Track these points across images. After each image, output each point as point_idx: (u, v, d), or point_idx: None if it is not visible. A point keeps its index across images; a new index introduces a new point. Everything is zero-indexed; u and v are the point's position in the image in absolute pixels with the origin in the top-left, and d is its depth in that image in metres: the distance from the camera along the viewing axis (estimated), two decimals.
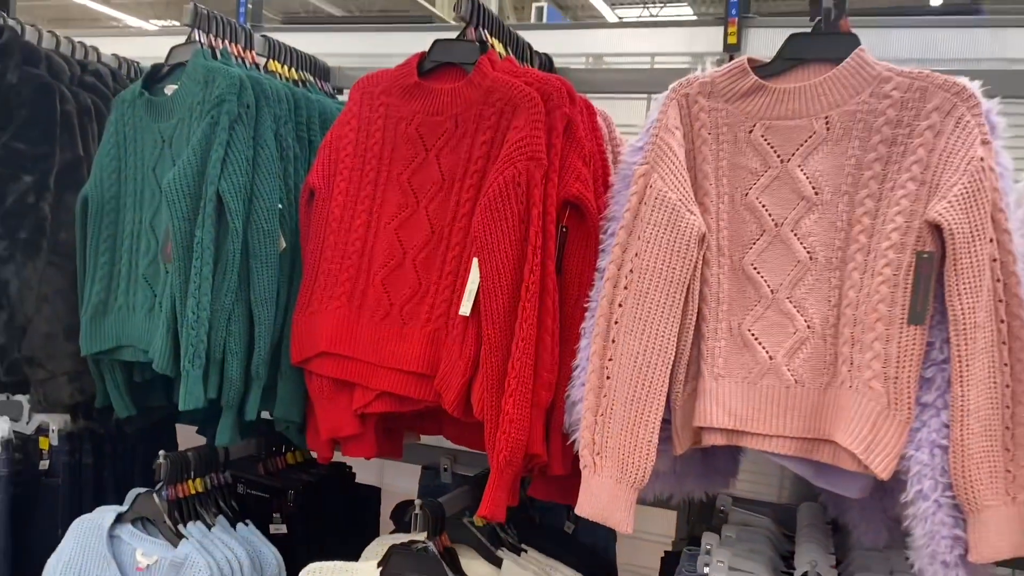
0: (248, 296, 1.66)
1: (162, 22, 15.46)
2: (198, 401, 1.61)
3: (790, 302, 1.32)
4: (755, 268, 1.34)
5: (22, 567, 2.03)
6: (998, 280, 1.19)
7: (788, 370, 1.31)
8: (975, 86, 1.25)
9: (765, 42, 2.07)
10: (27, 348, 1.86)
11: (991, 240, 1.19)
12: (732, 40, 2.05)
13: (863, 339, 1.25)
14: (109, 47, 2.25)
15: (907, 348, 1.22)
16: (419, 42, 1.70)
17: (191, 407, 1.61)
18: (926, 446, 1.20)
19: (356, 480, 2.20)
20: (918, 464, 1.21)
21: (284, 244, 1.69)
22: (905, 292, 1.22)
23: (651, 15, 13.97)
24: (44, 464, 2.09)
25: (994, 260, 1.19)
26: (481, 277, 1.45)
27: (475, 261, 1.46)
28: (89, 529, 1.75)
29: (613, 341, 1.33)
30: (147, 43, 3.24)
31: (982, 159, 1.20)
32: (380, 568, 1.55)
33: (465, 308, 1.47)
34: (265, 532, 1.82)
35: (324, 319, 1.62)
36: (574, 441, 1.39)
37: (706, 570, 1.45)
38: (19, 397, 2.12)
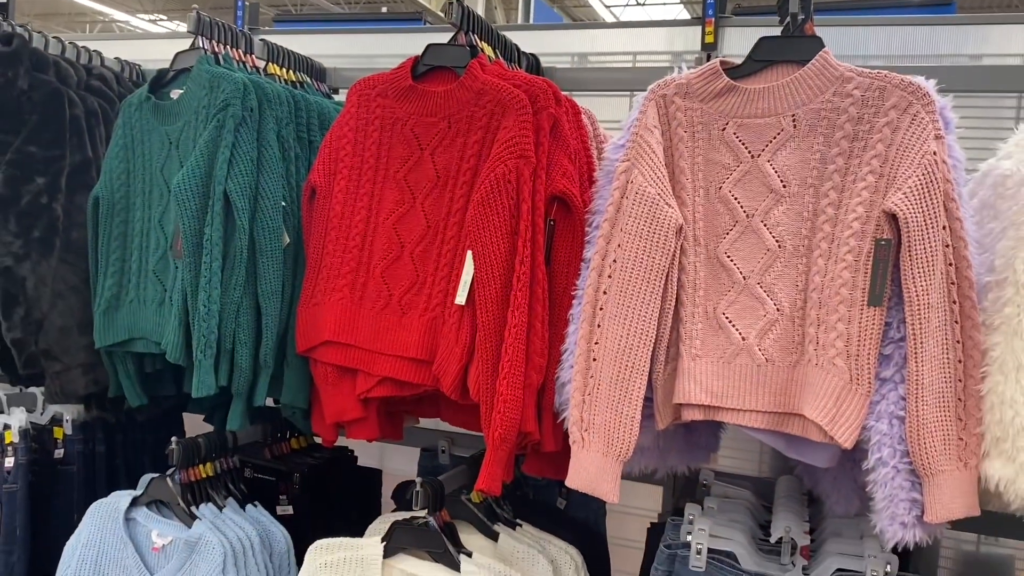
0: (255, 289, 1.73)
1: (149, 16, 15.40)
2: (210, 389, 1.70)
3: (761, 287, 1.41)
4: (728, 256, 1.43)
5: (41, 550, 2.12)
6: (950, 264, 1.29)
7: (759, 350, 1.41)
8: (930, 85, 1.33)
9: (740, 41, 2.16)
10: (43, 342, 1.93)
11: (943, 228, 1.28)
12: (709, 39, 2.13)
13: (827, 320, 1.34)
14: (110, 51, 2.33)
15: (867, 328, 1.31)
16: (411, 43, 1.79)
17: (203, 394, 1.69)
18: (885, 417, 1.30)
19: (358, 463, 2.28)
20: (878, 434, 1.30)
21: (288, 240, 1.77)
22: (865, 276, 1.32)
23: (638, 3, 14.01)
24: (59, 453, 2.17)
25: (946, 246, 1.29)
26: (475, 268, 1.53)
27: (469, 253, 1.54)
28: (106, 512, 1.83)
29: (598, 326, 1.42)
30: (148, 46, 3.30)
31: (935, 153, 1.29)
32: (384, 543, 1.63)
33: (460, 298, 1.55)
34: (272, 513, 1.88)
35: (327, 310, 1.71)
36: (564, 419, 1.47)
37: (688, 538, 1.55)
38: (33, 389, 2.21)
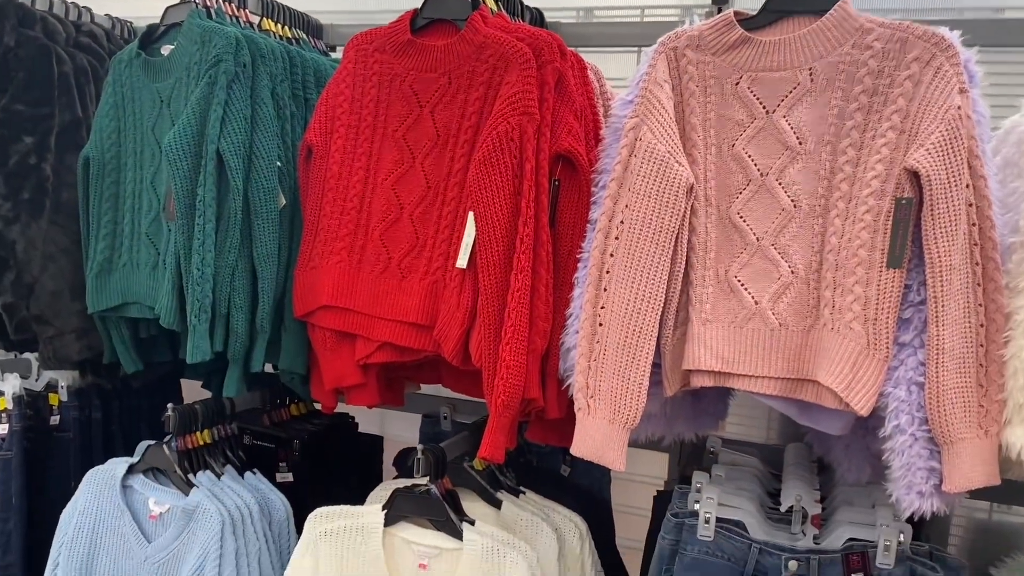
0: (251, 252, 1.69)
1: None
2: (205, 354, 1.66)
3: (775, 249, 1.36)
4: (741, 217, 1.38)
5: (37, 518, 2.09)
6: (973, 224, 1.23)
7: (773, 314, 1.36)
8: (954, 36, 1.27)
9: None
10: (35, 306, 1.90)
11: (967, 186, 1.23)
12: None
13: (844, 283, 1.29)
14: (100, 7, 2.26)
15: (886, 290, 1.26)
16: None
17: (198, 360, 1.65)
18: (903, 383, 1.26)
19: (359, 429, 2.26)
20: (896, 400, 1.26)
21: (284, 201, 1.72)
22: (884, 237, 1.26)
23: None
24: (55, 419, 2.15)
25: (970, 205, 1.23)
26: (477, 230, 1.48)
27: (471, 215, 1.49)
28: (103, 480, 1.80)
29: (605, 289, 1.37)
30: (139, 2, 3.23)
31: (959, 108, 1.23)
32: (385, 511, 1.60)
33: (462, 261, 1.51)
34: (272, 481, 1.87)
35: (325, 273, 1.66)
36: (569, 386, 1.43)
37: (696, 506, 1.51)
38: (28, 355, 2.17)
